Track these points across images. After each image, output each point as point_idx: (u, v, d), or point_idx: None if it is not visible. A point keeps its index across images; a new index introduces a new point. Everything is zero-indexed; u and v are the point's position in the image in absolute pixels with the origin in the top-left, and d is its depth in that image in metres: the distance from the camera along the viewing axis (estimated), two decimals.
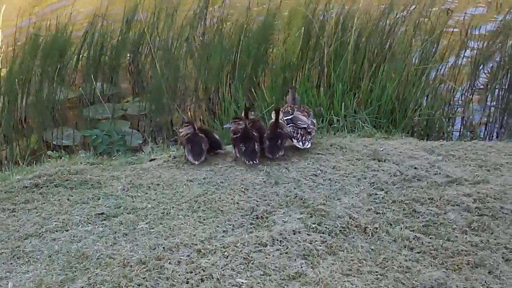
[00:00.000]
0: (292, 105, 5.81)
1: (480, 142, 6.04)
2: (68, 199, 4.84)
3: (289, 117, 5.64)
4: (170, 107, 8.12)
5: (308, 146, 5.52)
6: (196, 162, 5.33)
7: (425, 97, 7.63)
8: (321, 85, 7.41)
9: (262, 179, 5.02)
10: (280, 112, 5.71)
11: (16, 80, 7.73)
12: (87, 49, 8.83)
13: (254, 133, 5.42)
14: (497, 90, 8.28)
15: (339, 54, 7.56)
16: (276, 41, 8.73)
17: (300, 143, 5.51)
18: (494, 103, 8.20)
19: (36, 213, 4.67)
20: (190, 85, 8.61)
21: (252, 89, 7.74)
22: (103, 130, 6.68)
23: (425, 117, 7.31)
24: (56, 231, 4.43)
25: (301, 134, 5.54)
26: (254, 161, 5.29)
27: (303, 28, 8.06)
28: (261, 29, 8.49)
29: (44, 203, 4.81)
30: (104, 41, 8.82)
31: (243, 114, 5.70)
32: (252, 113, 5.84)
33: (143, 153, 6.15)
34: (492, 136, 7.79)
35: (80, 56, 8.79)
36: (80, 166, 5.46)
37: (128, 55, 9.28)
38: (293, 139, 5.54)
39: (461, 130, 7.78)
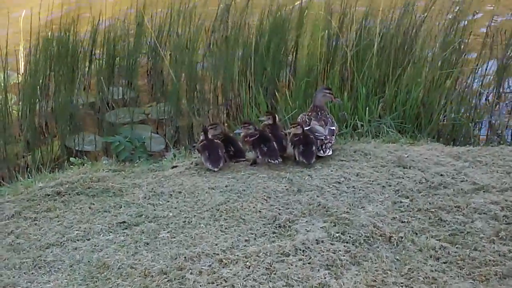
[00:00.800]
0: (309, 114, 5.75)
1: (508, 148, 5.90)
2: (89, 208, 4.81)
3: (307, 128, 5.59)
4: (189, 112, 8.08)
5: (329, 154, 5.47)
6: (215, 169, 5.29)
7: (451, 102, 7.49)
8: (345, 90, 7.30)
9: (285, 186, 4.95)
10: (300, 118, 5.75)
11: (35, 85, 7.74)
12: (102, 52, 8.75)
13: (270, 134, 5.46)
14: None
15: (363, 57, 7.46)
16: (299, 43, 8.64)
17: (321, 152, 5.46)
18: None
19: (58, 221, 4.65)
20: (208, 88, 8.55)
21: (275, 92, 7.66)
22: (125, 136, 6.62)
23: (451, 121, 7.19)
24: (78, 240, 4.40)
25: (320, 144, 5.49)
26: (279, 160, 5.29)
27: (326, 31, 7.94)
28: (280, 30, 8.40)
29: (66, 211, 4.79)
30: (118, 43, 8.75)
31: (270, 120, 5.62)
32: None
33: (165, 159, 6.11)
34: None
35: (96, 59, 8.70)
36: (102, 174, 5.42)
37: (147, 57, 9.22)
38: None
39: (488, 134, 7.64)
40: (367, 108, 6.74)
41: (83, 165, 5.93)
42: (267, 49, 8.14)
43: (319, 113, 5.77)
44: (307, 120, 5.72)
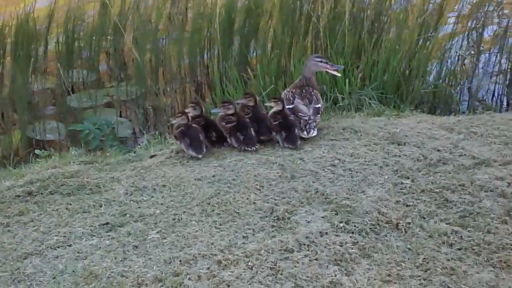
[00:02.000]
0: (293, 90, 5.41)
1: (498, 115, 5.70)
2: (67, 208, 4.38)
3: (290, 106, 5.27)
4: (155, 91, 7.63)
5: (314, 135, 5.15)
6: (200, 156, 4.92)
7: (431, 68, 7.21)
8: None
9: (277, 173, 4.61)
10: (283, 94, 5.46)
11: None
12: (60, 33, 8.19)
13: (247, 119, 5.15)
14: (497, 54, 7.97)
15: (335, 26, 7.09)
16: (264, 14, 8.21)
17: (305, 133, 5.14)
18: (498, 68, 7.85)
19: (34, 226, 4.21)
20: (174, 65, 8.09)
21: (247, 68, 7.25)
22: (94, 123, 6.14)
23: (433, 89, 6.91)
24: (58, 247, 3.98)
25: (304, 124, 5.16)
26: (255, 146, 5.00)
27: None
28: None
29: (40, 214, 4.35)
30: (76, 24, 8.21)
31: (251, 101, 5.26)
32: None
33: (139, 146, 5.71)
34: (503, 105, 7.43)
35: (54, 41, 8.15)
36: (74, 167, 5.00)
37: (106, 37, 8.66)
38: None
39: (470, 101, 7.40)
40: (347, 80, 6.39)
41: (51, 157, 5.50)
42: (232, 21, 7.70)
43: (303, 90, 5.42)
44: (290, 98, 5.38)
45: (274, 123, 5.09)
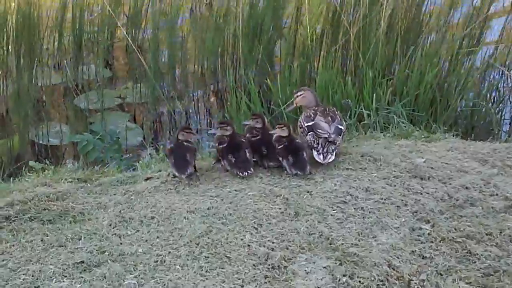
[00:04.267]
0: (316, 108, 4.87)
1: None
2: (42, 240, 3.92)
3: (310, 123, 4.74)
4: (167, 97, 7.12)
5: (331, 160, 4.61)
6: (183, 176, 4.47)
7: (469, 84, 6.57)
8: (348, 73, 6.35)
9: (279, 209, 4.09)
10: (302, 115, 4.92)
11: None
12: (69, 25, 7.68)
13: (242, 139, 4.67)
14: None
15: (368, 34, 6.49)
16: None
17: (321, 157, 4.62)
18: None
19: (3, 261, 3.74)
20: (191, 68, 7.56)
21: (267, 79, 6.68)
22: (95, 132, 5.67)
23: (470, 107, 6.28)
24: None
25: (322, 145, 4.63)
26: (248, 172, 4.50)
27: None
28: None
29: (13, 245, 3.89)
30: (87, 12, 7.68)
31: (259, 123, 4.77)
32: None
33: (140, 162, 5.23)
34: None
35: (64, 34, 7.64)
36: (64, 186, 4.58)
37: (124, 32, 8.17)
38: (313, 151, 4.65)
39: None
40: (374, 95, 5.82)
41: (44, 171, 5.08)
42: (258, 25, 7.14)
43: (326, 109, 4.89)
44: (311, 115, 4.84)
45: (279, 147, 4.59)
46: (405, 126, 5.65)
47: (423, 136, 5.36)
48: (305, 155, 4.56)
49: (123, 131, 6.33)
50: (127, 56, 8.02)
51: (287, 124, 4.74)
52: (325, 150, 4.63)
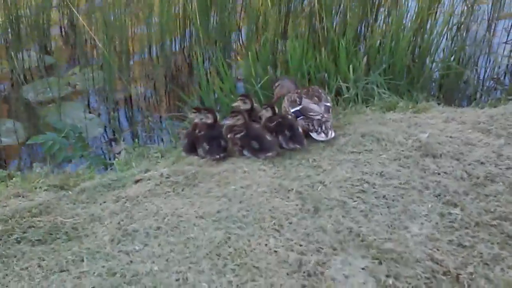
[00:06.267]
0: (298, 91, 4.60)
1: None
2: (39, 266, 3.44)
3: (297, 108, 4.50)
4: (126, 80, 6.60)
5: (333, 136, 4.41)
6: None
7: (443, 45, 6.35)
8: (320, 44, 6.01)
9: (296, 205, 3.75)
10: (286, 100, 4.68)
11: None
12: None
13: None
14: None
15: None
16: None
17: (322, 135, 4.38)
18: None
19: None
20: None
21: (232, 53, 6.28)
22: (59, 130, 5.11)
23: (445, 71, 6.07)
24: None
25: (318, 125, 4.37)
26: (220, 155, 4.39)
27: None
28: None
29: (6, 275, 3.40)
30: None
31: (247, 104, 4.46)
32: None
33: (116, 159, 4.77)
34: None
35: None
36: (42, 196, 4.08)
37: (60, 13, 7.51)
38: (311, 133, 4.36)
39: (484, 79, 6.58)
40: (350, 66, 5.52)
41: (12, 178, 4.54)
42: None
43: (309, 89, 4.62)
44: (296, 99, 4.58)
45: (272, 124, 4.38)
46: (386, 97, 5.38)
47: (410, 107, 5.11)
48: (300, 129, 4.36)
49: (80, 123, 5.77)
50: (69, 38, 7.39)
51: (270, 104, 4.56)
52: (323, 127, 4.39)
